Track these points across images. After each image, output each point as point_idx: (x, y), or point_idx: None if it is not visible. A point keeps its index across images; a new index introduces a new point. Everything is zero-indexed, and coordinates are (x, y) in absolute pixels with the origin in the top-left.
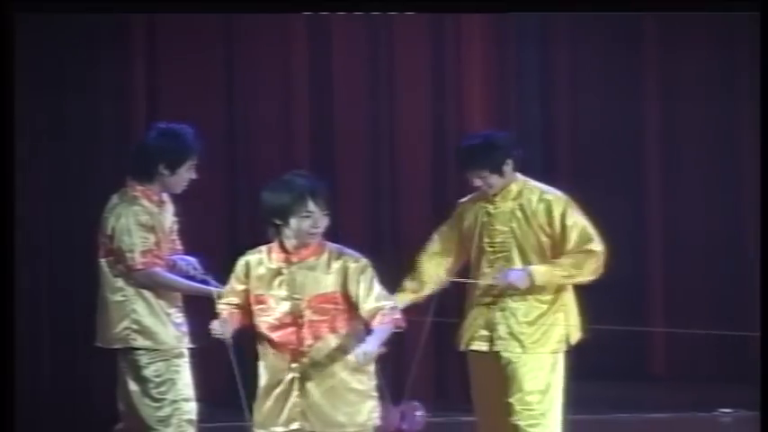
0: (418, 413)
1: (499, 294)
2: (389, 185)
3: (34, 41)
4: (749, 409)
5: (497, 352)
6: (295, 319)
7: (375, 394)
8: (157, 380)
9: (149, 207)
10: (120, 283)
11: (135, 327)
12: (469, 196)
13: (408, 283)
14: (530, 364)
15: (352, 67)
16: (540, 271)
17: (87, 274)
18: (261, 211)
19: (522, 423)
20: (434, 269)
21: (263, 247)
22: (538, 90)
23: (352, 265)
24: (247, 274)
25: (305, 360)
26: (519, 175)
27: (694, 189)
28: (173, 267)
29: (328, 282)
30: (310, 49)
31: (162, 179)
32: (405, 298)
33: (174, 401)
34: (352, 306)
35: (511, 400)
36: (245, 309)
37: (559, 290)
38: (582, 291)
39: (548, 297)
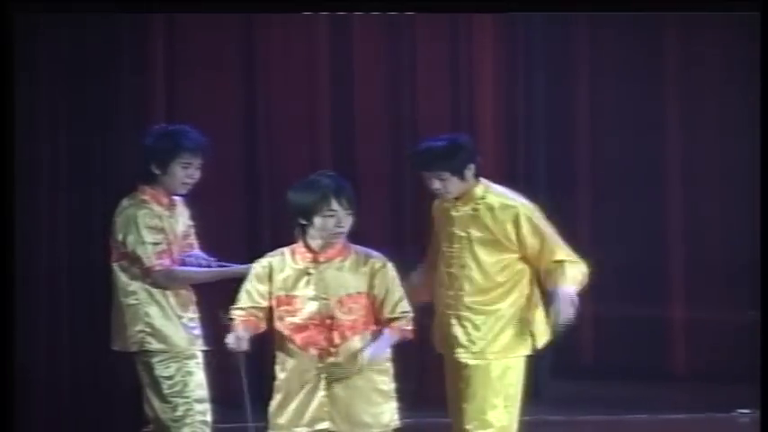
0: None
1: (455, 302)
2: (411, 184)
3: (34, 41)
4: None
5: (457, 358)
6: (323, 319)
7: (395, 396)
8: (169, 381)
9: (158, 210)
10: (132, 286)
11: (148, 330)
12: (439, 199)
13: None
14: (486, 372)
15: (373, 66)
16: (574, 274)
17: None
18: (287, 210)
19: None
20: (425, 280)
21: (285, 249)
22: (546, 88)
23: (378, 268)
24: (270, 276)
25: (332, 360)
26: (483, 180)
27: (714, 190)
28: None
29: (356, 283)
30: (331, 49)
31: (158, 179)
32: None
33: (187, 402)
34: (376, 308)
35: (465, 405)
36: (264, 311)
37: (517, 297)
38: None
39: (503, 306)
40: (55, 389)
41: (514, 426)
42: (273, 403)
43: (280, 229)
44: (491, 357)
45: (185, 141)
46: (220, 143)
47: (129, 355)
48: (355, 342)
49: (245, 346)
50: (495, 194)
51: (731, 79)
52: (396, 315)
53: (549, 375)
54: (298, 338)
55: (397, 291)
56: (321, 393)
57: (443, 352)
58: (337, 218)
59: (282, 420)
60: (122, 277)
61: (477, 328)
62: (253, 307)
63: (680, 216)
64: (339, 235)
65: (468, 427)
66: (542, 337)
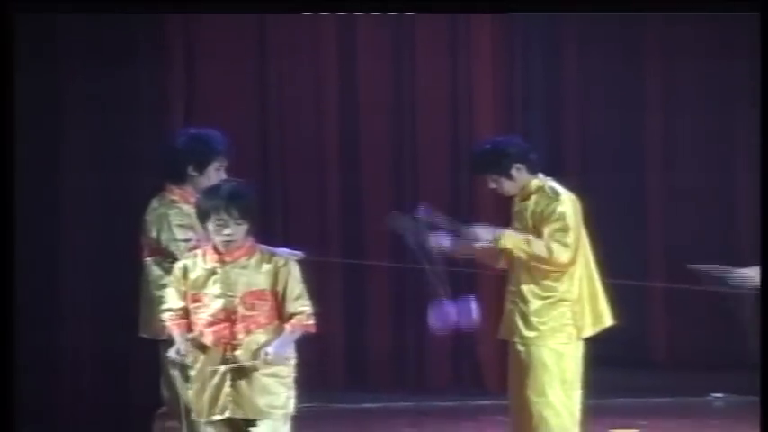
0: (474, 308)
1: (515, 288)
2: (411, 186)
3: (36, 41)
4: (740, 393)
5: (514, 343)
6: (228, 315)
7: (292, 384)
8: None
9: (186, 209)
10: (165, 279)
11: None
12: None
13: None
14: (538, 356)
15: (376, 67)
16: (509, 234)
17: (130, 271)
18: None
19: (535, 410)
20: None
21: (198, 250)
22: (544, 93)
23: (281, 266)
24: (185, 276)
25: (237, 353)
26: (540, 176)
27: (694, 189)
28: None
29: (259, 280)
30: (338, 54)
31: (192, 180)
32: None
33: None
34: (279, 303)
35: (527, 389)
36: (187, 311)
37: (566, 287)
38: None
39: (552, 294)
40: (78, 372)
41: (575, 408)
42: (190, 393)
43: (291, 222)
44: (541, 344)
45: (219, 145)
46: (235, 140)
47: (154, 342)
48: (259, 336)
49: (187, 358)
50: (547, 188)
51: (731, 79)
52: (297, 310)
53: None
54: (207, 333)
55: (297, 287)
56: (227, 384)
57: (506, 338)
58: (226, 226)
59: (200, 408)
60: (155, 271)
61: (531, 315)
62: (179, 308)
63: (661, 210)
64: (230, 243)
65: (532, 409)
66: (588, 328)
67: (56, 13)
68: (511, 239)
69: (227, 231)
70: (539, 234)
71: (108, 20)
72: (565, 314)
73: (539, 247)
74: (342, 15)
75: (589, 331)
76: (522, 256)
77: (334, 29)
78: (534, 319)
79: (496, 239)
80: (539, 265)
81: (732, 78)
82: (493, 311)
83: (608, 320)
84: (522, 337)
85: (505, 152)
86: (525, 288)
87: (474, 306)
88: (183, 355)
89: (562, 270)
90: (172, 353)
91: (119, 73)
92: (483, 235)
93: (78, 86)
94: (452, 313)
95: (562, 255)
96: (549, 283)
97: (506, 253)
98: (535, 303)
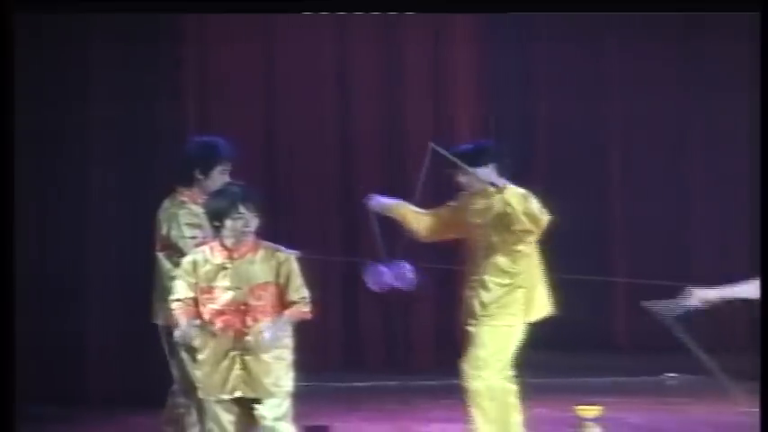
0: (409, 272)
1: (474, 278)
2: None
3: (34, 42)
4: (691, 373)
5: (467, 325)
6: (238, 305)
7: (292, 365)
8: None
9: (195, 209)
10: (174, 272)
11: None
12: (468, 192)
13: (406, 208)
14: (482, 333)
15: (367, 70)
16: (512, 187)
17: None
18: (205, 216)
19: (472, 385)
20: (418, 222)
21: (206, 247)
22: (516, 89)
23: (282, 261)
24: (195, 270)
25: (246, 339)
26: (503, 180)
27: (653, 184)
28: None
29: (265, 274)
30: (333, 55)
31: (199, 182)
32: (399, 210)
33: None
34: (281, 294)
35: (466, 364)
36: (195, 301)
37: (524, 276)
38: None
39: (511, 282)
40: (104, 355)
41: (512, 385)
42: (199, 374)
43: (299, 221)
44: (487, 323)
45: (224, 151)
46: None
47: (167, 328)
48: (265, 324)
49: (191, 338)
50: (508, 188)
51: (731, 79)
52: (295, 299)
53: None
54: (217, 322)
55: (298, 279)
56: (237, 367)
57: (465, 323)
58: (245, 220)
59: (209, 388)
60: (166, 264)
61: (490, 302)
62: (188, 297)
63: (622, 207)
64: (247, 234)
65: (470, 383)
66: (532, 314)
67: (56, 13)
68: (511, 191)
69: (246, 223)
70: (499, 231)
71: (122, 21)
72: (518, 299)
73: (535, 203)
74: (337, 16)
75: (533, 317)
76: (518, 209)
77: (330, 31)
78: (491, 304)
79: (501, 189)
80: (523, 224)
81: (702, 73)
82: None
83: (550, 309)
84: (476, 318)
85: (485, 149)
86: (486, 277)
87: (409, 271)
88: (189, 338)
89: (537, 234)
90: (177, 334)
91: (131, 74)
92: (494, 178)
93: (93, 82)
94: (387, 276)
95: (546, 218)
96: (508, 270)
97: (502, 211)
98: (494, 291)
